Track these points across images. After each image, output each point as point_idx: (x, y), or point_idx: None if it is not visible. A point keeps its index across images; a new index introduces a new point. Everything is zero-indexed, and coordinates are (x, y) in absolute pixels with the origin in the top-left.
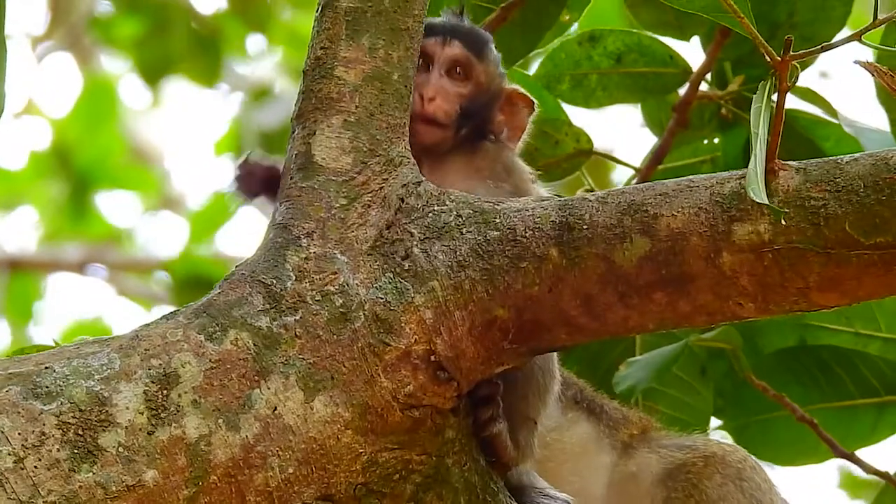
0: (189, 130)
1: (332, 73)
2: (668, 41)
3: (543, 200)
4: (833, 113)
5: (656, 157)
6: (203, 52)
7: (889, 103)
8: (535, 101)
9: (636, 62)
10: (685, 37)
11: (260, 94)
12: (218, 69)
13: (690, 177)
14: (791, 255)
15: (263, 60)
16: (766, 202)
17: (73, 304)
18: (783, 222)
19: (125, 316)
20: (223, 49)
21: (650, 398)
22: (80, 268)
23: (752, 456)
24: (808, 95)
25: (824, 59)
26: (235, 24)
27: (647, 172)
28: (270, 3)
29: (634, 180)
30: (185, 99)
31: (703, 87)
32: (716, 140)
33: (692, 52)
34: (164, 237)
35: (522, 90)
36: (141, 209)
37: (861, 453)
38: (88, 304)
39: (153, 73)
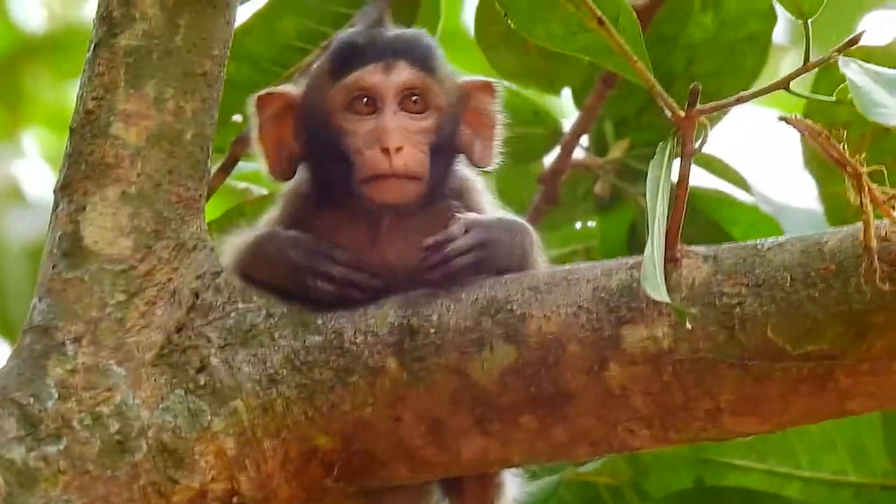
0: None
1: (107, 130)
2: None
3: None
4: (745, 187)
5: None
6: None
7: (820, 172)
8: (493, 80)
9: None
10: (555, 89)
11: (11, 197)
12: None
13: (567, 266)
14: (697, 368)
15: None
16: (667, 300)
17: None
18: (688, 325)
19: None
20: None
21: None
22: None
23: None
24: (713, 165)
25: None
26: None
27: None
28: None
29: None
30: None
31: (578, 153)
32: (591, 223)
33: (562, 108)
34: None
35: (478, 78)
36: None
37: None
38: None
39: None
